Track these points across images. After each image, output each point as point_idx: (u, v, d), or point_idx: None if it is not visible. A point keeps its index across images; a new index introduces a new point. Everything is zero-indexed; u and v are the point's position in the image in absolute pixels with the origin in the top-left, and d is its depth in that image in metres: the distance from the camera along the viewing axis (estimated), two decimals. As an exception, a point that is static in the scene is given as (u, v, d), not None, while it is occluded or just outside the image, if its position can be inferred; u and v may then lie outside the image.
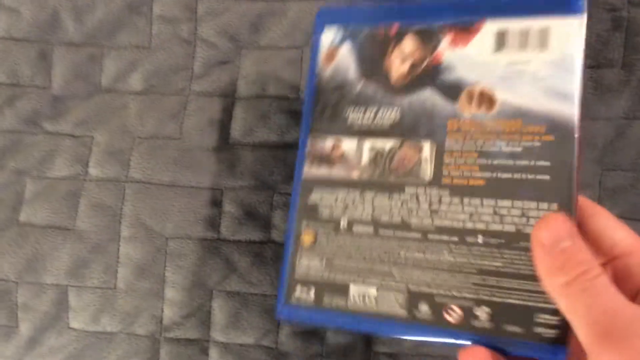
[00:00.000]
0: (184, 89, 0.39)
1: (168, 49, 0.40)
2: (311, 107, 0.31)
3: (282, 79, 0.39)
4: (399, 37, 0.30)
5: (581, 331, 0.22)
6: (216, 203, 0.39)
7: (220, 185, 0.39)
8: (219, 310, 0.38)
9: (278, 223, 0.38)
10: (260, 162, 0.38)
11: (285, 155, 0.38)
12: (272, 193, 0.38)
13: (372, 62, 0.31)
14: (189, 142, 0.39)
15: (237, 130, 0.39)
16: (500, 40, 0.29)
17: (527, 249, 0.26)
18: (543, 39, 0.28)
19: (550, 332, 0.25)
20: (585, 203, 0.26)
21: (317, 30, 0.32)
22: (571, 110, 0.27)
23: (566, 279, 0.23)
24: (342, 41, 0.31)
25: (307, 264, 0.30)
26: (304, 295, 0.30)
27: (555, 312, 0.25)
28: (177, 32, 0.40)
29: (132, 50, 0.40)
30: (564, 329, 0.24)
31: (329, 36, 0.31)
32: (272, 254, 0.38)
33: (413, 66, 0.30)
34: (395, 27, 0.30)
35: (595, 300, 0.22)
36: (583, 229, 0.25)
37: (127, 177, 0.39)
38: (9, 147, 0.40)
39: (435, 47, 0.30)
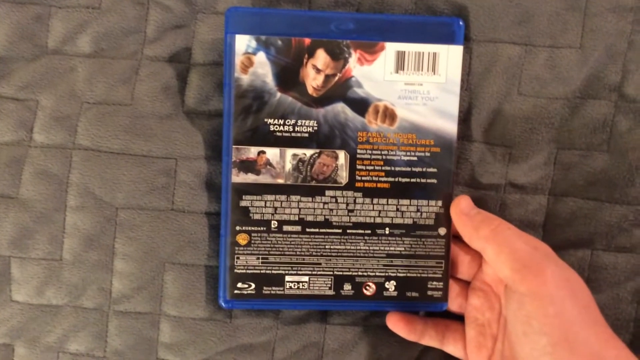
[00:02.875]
0: (135, 53, 0.37)
1: (119, 10, 0.37)
2: (231, 115, 0.34)
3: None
4: (312, 50, 0.33)
5: (505, 266, 0.29)
6: (170, 173, 0.37)
7: (174, 154, 0.37)
8: (172, 283, 0.37)
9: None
10: (217, 131, 0.37)
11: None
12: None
13: (288, 73, 0.33)
14: (141, 109, 0.37)
15: (192, 97, 0.37)
16: (400, 62, 0.33)
17: (422, 236, 0.35)
18: (433, 63, 0.34)
19: (437, 293, 0.35)
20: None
21: (229, 31, 0.33)
22: (453, 127, 0.34)
23: (490, 228, 0.30)
24: (256, 50, 0.33)
25: (244, 263, 0.34)
26: (245, 289, 0.35)
27: (440, 279, 0.35)
28: (129, -8, 0.38)
29: (81, 10, 0.37)
30: (445, 291, 0.35)
31: (243, 41, 0.33)
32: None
33: (327, 79, 0.34)
34: (307, 41, 0.33)
35: (516, 242, 0.29)
36: None
37: (74, 144, 0.37)
38: (-55, 109, 0.37)
39: (345, 63, 0.34)
